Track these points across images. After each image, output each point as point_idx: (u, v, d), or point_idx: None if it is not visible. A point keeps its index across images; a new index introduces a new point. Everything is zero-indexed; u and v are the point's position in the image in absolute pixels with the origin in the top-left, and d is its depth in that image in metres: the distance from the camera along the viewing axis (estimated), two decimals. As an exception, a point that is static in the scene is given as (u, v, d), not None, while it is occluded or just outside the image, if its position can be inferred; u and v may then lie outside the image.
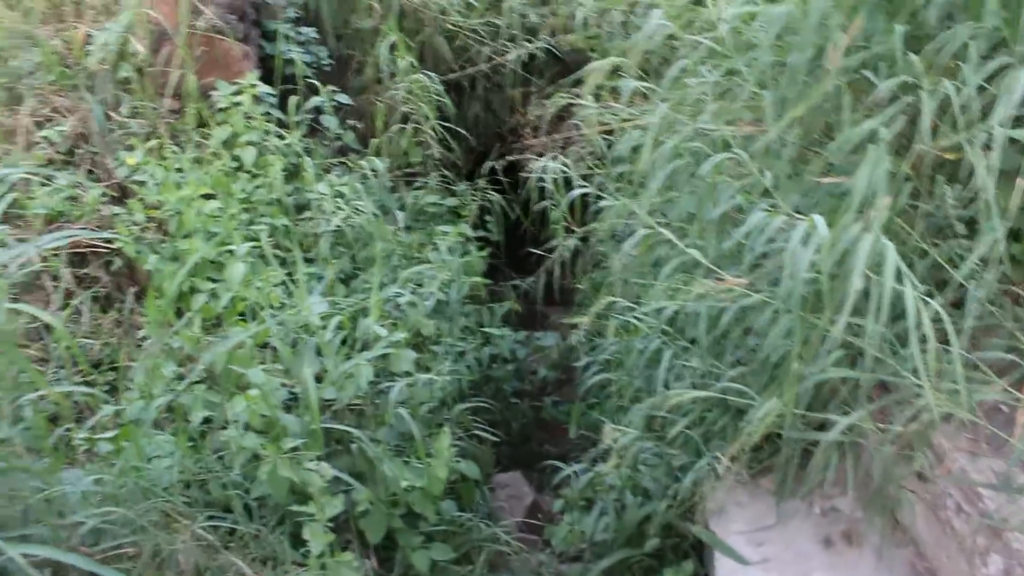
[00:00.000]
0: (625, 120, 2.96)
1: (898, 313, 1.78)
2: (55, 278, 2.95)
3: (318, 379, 2.42)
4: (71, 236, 2.29)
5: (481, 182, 4.21)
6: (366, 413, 2.70)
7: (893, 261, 1.70)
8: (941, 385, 1.75)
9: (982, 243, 1.73)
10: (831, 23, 1.92)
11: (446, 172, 4.15)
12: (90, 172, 3.32)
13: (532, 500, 3.77)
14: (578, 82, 3.94)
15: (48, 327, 2.70)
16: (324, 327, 2.54)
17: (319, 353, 2.57)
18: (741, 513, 2.31)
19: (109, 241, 3.03)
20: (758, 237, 2.02)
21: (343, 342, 2.64)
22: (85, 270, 3.06)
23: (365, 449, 2.43)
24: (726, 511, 2.33)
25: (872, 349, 1.80)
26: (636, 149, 2.87)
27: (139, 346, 2.87)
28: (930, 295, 1.76)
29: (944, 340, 1.72)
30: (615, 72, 3.07)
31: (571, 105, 3.32)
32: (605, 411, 3.29)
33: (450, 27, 4.21)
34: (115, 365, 2.75)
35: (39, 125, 3.33)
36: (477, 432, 3.19)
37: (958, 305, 1.84)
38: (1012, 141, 1.69)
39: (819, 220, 1.81)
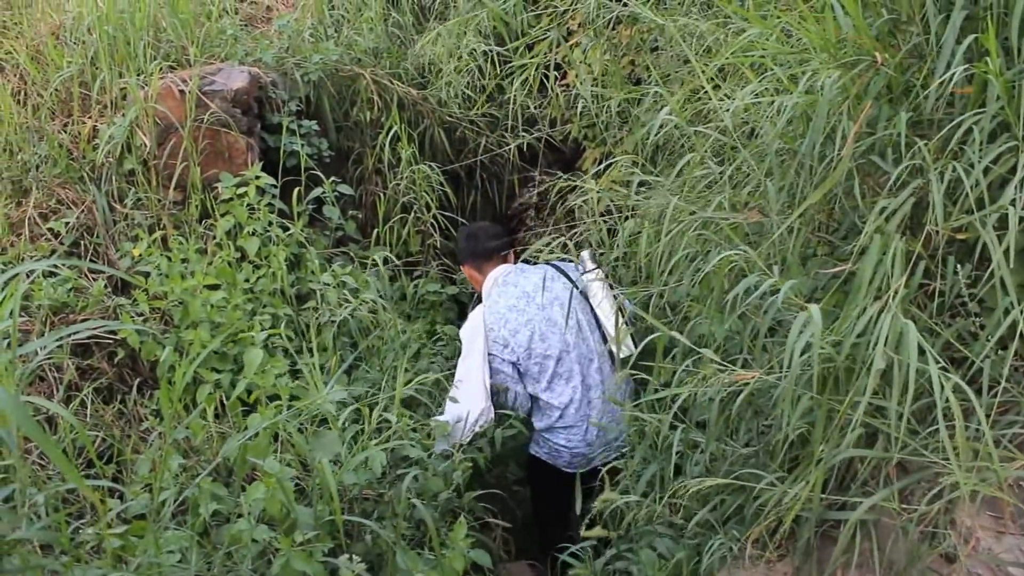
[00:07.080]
0: (627, 207, 3.02)
1: (918, 391, 1.79)
2: (58, 369, 2.92)
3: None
4: (95, 327, 2.27)
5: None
6: (377, 502, 2.66)
7: (915, 338, 1.72)
8: (965, 462, 1.75)
9: (995, 321, 1.76)
10: (839, 110, 1.99)
11: (446, 260, 4.17)
12: (93, 263, 3.33)
13: (537, 590, 3.68)
14: (570, 168, 4.04)
15: (51, 420, 2.67)
16: (338, 416, 2.52)
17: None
18: (761, 599, 2.27)
19: (113, 332, 3.02)
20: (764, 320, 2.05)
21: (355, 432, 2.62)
22: (88, 361, 3.03)
23: (379, 539, 2.38)
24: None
25: (892, 429, 1.81)
26: (637, 237, 2.91)
27: (143, 438, 2.82)
28: (946, 373, 1.77)
29: (962, 417, 1.73)
30: (607, 158, 3.13)
31: (573, 189, 3.38)
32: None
33: (449, 119, 4.30)
34: (119, 458, 2.70)
35: (44, 217, 3.35)
36: (486, 519, 3.13)
37: (971, 383, 1.86)
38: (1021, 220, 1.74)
39: (815, 309, 1.82)
